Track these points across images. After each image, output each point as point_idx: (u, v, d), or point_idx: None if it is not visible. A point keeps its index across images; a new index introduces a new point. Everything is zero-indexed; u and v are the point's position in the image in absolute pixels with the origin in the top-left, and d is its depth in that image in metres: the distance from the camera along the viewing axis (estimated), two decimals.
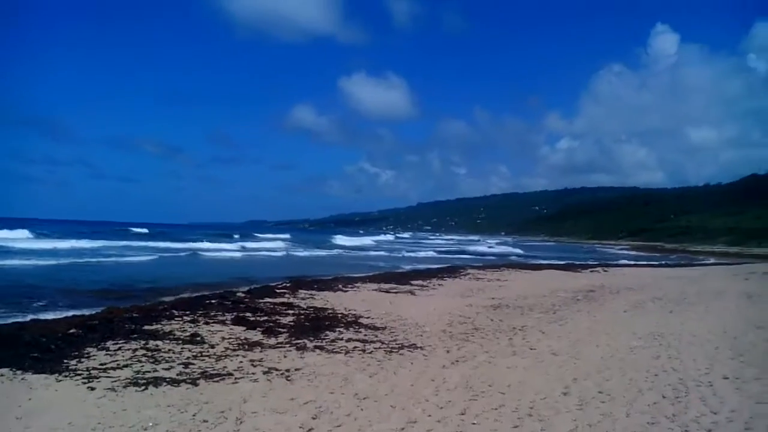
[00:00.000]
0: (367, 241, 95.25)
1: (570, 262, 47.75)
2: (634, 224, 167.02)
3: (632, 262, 52.60)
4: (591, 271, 35.94)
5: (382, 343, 11.83)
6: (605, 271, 36.69)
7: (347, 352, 10.83)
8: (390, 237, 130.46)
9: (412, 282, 24.57)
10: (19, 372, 8.82)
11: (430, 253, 60.99)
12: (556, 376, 9.10)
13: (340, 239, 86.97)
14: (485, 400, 7.82)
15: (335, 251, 58.22)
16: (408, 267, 36.42)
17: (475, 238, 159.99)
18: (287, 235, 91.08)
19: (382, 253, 58.31)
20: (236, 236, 79.70)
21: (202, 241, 59.49)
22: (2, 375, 8.64)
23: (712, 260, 63.32)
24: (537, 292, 21.91)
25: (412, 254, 57.86)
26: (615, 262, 50.53)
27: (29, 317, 13.81)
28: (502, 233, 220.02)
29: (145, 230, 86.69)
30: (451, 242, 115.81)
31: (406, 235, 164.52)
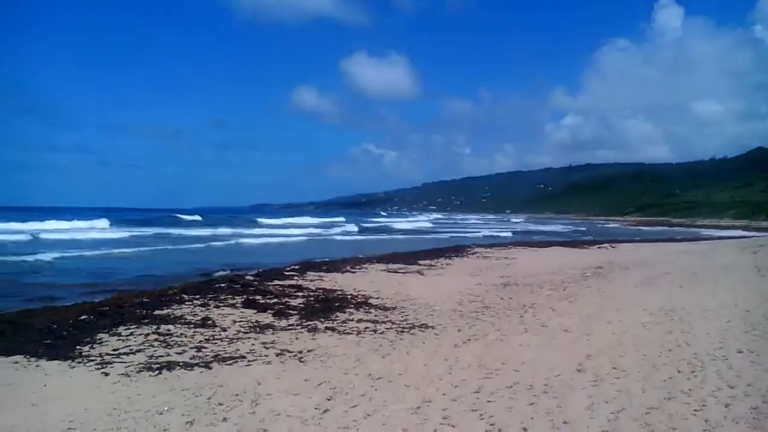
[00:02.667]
0: (423, 223, 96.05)
1: (578, 239, 47.75)
2: (640, 200, 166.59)
3: (640, 238, 52.47)
4: (598, 248, 35.85)
5: (393, 323, 11.82)
6: (613, 247, 36.57)
7: (359, 333, 10.83)
8: (429, 217, 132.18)
9: (420, 262, 24.53)
10: (33, 359, 8.84)
11: (506, 234, 60.62)
12: (569, 353, 9.07)
13: (397, 223, 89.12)
14: (499, 378, 7.81)
15: (409, 236, 57.14)
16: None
17: (495, 216, 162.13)
18: (342, 218, 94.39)
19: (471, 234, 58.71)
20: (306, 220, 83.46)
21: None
22: (17, 362, 8.66)
23: (719, 234, 63.11)
24: (545, 270, 21.87)
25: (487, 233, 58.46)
26: (624, 238, 50.38)
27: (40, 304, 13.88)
28: (507, 211, 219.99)
29: (198, 217, 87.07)
30: (484, 221, 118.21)
31: (438, 215, 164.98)
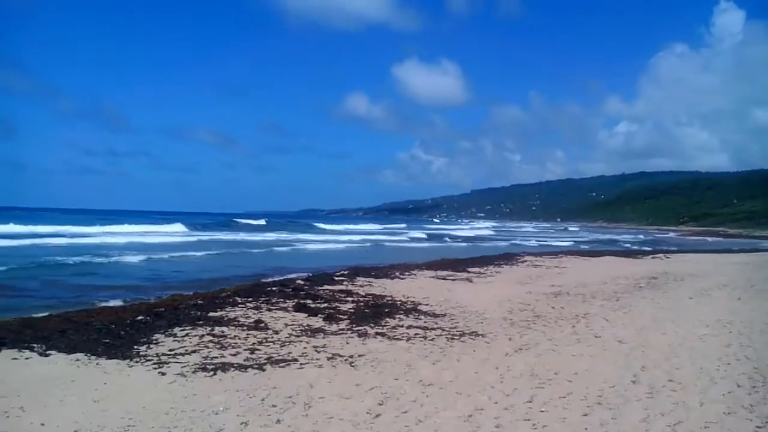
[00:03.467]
0: (483, 231, 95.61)
1: (630, 248, 46.78)
2: (696, 209, 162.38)
3: (695, 248, 51.09)
4: (652, 258, 35.11)
5: (443, 330, 11.79)
6: (667, 257, 35.75)
7: (409, 339, 10.84)
8: (485, 224, 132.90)
9: (469, 269, 24.41)
10: (93, 357, 9.13)
11: (567, 243, 58.83)
12: (624, 365, 8.92)
13: (458, 230, 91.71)
14: (552, 388, 7.72)
15: (477, 243, 56.71)
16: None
17: (549, 225, 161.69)
18: (403, 225, 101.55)
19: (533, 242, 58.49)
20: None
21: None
22: (78, 360, 8.96)
23: None
24: (597, 279, 21.51)
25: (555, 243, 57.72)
26: (678, 249, 49.16)
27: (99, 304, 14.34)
28: (558, 219, 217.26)
29: (263, 221, 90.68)
30: (541, 229, 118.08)
31: (494, 223, 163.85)
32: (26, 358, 9.00)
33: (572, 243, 60.00)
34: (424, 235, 66.30)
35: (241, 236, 52.47)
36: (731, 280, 21.48)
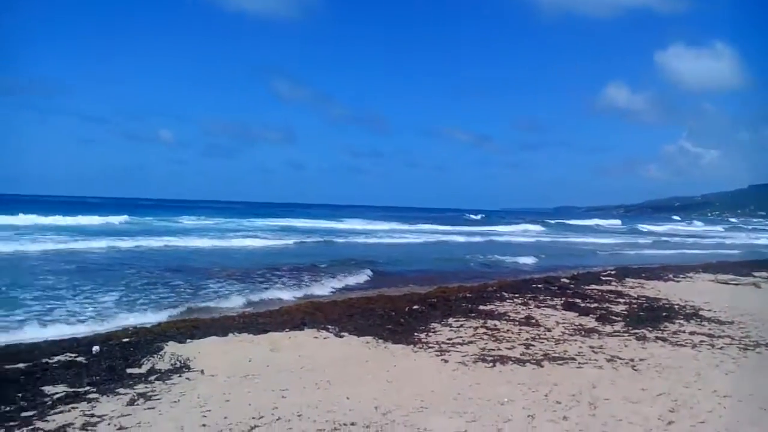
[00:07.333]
0: None
1: None
2: None
3: None
4: None
5: (732, 339, 10.79)
6: None
7: (694, 346, 10.10)
8: None
9: (755, 273, 22.03)
10: (381, 341, 9.91)
11: None
12: None
13: None
14: None
15: None
16: None
17: None
18: None
19: None
20: None
21: None
22: (368, 342, 9.80)
23: None
24: None
25: None
26: None
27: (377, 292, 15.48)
28: None
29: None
30: None
31: None
32: (324, 338, 10.07)
33: None
34: None
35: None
36: None
